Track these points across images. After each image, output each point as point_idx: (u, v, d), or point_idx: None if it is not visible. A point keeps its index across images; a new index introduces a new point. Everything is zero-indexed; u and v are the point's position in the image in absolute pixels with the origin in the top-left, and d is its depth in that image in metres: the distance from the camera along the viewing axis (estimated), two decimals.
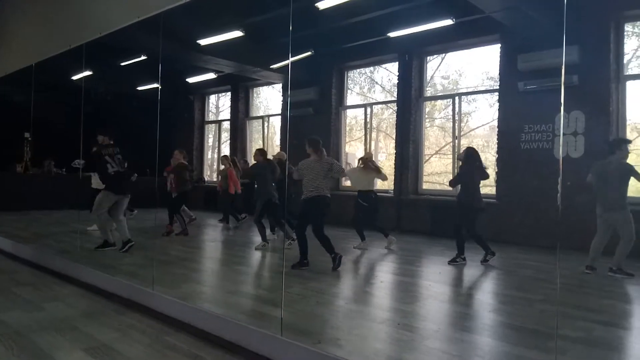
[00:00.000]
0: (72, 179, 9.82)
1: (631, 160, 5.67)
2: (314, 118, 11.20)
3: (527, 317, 4.05)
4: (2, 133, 8.32)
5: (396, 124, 10.25)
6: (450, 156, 9.77)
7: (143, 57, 10.12)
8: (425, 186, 10.18)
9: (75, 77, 8.06)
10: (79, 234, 7.48)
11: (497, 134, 8.73)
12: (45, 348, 3.14)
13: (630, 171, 5.43)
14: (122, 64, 10.96)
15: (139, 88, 12.36)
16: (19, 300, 4.25)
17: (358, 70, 11.71)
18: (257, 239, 7.02)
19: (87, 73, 6.39)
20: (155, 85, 9.51)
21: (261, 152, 7.29)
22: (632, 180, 5.44)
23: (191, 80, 13.05)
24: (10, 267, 5.70)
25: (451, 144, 9.78)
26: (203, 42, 9.41)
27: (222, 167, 9.53)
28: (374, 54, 10.52)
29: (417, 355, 3.15)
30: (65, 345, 3.21)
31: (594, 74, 7.49)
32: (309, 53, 10.10)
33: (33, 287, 4.74)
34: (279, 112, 12.88)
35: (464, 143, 9.86)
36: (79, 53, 5.54)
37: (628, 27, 7.77)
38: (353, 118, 11.87)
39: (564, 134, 7.70)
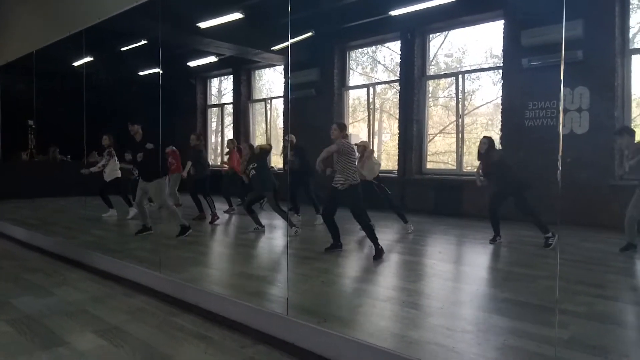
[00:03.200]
0: (77, 165, 9.86)
1: None
2: (317, 99, 11.16)
3: (530, 293, 4.09)
4: (6, 121, 8.34)
5: (399, 104, 10.20)
6: (454, 135, 9.74)
7: (143, 42, 10.07)
8: (429, 166, 10.18)
9: (76, 64, 8.04)
10: (86, 220, 7.57)
11: (501, 112, 8.68)
12: (57, 331, 3.22)
13: None
14: (123, 49, 10.92)
15: (140, 73, 12.32)
16: (29, 286, 4.33)
17: (360, 50, 11.60)
18: (276, 222, 7.05)
19: (88, 59, 6.40)
20: (156, 70, 9.48)
21: (250, 147, 7.36)
22: None
23: (192, 64, 12.99)
24: (20, 254, 5.79)
25: (455, 122, 9.74)
26: (203, 25, 9.34)
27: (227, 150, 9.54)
28: (375, 33, 10.41)
29: (422, 332, 3.20)
30: (77, 329, 3.28)
31: (599, 49, 7.39)
32: (309, 34, 10.00)
33: (43, 272, 4.83)
34: (282, 94, 12.84)
35: (468, 121, 9.83)
36: (79, 39, 5.53)
37: (633, 0, 7.64)
38: (356, 99, 11.81)
39: (568, 110, 7.64)
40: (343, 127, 5.63)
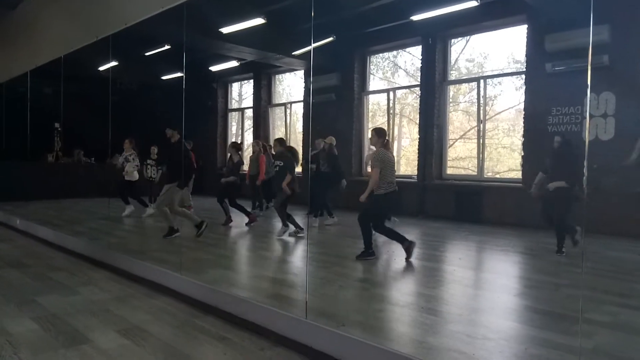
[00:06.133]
0: (101, 168, 10.11)
1: None
2: (337, 104, 11.18)
3: (553, 302, 4.02)
4: (33, 124, 8.58)
5: (420, 109, 10.15)
6: (475, 141, 9.64)
7: (167, 47, 10.25)
8: (449, 171, 10.09)
9: (102, 68, 8.22)
10: (109, 220, 7.71)
11: (524, 117, 8.56)
12: (81, 329, 3.28)
13: None
14: (147, 54, 11.12)
15: (164, 77, 12.53)
16: (55, 285, 4.43)
17: (381, 54, 11.59)
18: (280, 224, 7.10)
19: (114, 64, 6.54)
20: (179, 74, 9.65)
21: (280, 142, 7.32)
22: None
23: (214, 68, 13.15)
24: (45, 253, 5.93)
25: (476, 128, 9.64)
26: (225, 30, 9.46)
27: (252, 152, 9.55)
28: (396, 38, 10.39)
29: (441, 338, 3.17)
30: (100, 327, 3.34)
31: (625, 53, 7.25)
32: (330, 39, 10.04)
33: (68, 272, 4.93)
34: (301, 98, 12.89)
35: (489, 127, 9.72)
36: (106, 44, 5.66)
37: None
38: (376, 103, 11.80)
39: (593, 116, 7.50)
40: (383, 134, 5.54)
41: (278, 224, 7.25)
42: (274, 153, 7.37)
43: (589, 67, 2.63)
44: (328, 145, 7.70)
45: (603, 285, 4.44)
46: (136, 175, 8.79)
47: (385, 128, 11.08)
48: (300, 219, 7.11)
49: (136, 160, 8.70)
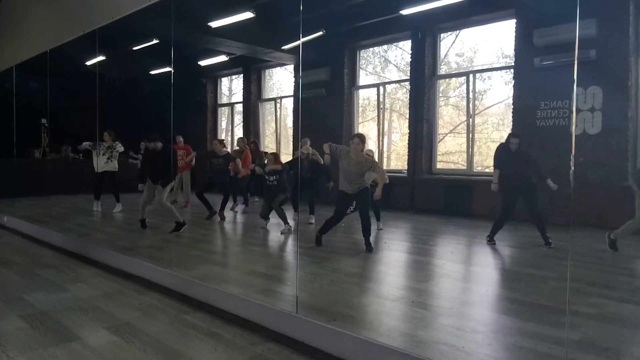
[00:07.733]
0: (89, 163, 10.01)
1: None
2: (327, 99, 11.16)
3: (540, 294, 4.06)
4: (19, 120, 8.47)
5: (409, 103, 10.17)
6: (465, 135, 9.68)
7: (155, 41, 10.16)
8: (439, 165, 10.14)
9: (88, 63, 8.13)
10: (98, 217, 7.65)
11: (513, 112, 8.61)
12: (70, 327, 3.26)
13: None
14: (135, 48, 11.01)
15: (152, 72, 12.42)
16: (43, 282, 4.39)
17: (371, 49, 11.58)
18: (273, 220, 7.11)
19: (101, 58, 6.47)
20: (167, 69, 9.58)
21: (275, 157, 7.37)
22: None
23: (203, 63, 13.04)
24: (33, 250, 5.87)
25: (465, 122, 9.69)
26: (214, 24, 9.38)
27: (236, 148, 9.55)
28: (386, 33, 10.39)
29: (431, 332, 3.20)
30: (89, 324, 3.32)
31: (612, 48, 7.31)
32: (320, 33, 10.01)
33: (56, 269, 4.89)
34: (292, 93, 12.86)
35: (479, 121, 9.78)
36: (92, 38, 5.59)
37: None
38: (366, 98, 11.80)
39: (581, 110, 7.57)
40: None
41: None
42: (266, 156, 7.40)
43: (576, 62, 2.66)
44: (305, 155, 7.66)
45: (589, 277, 4.50)
46: (115, 165, 8.61)
47: (376, 123, 11.12)
48: (289, 214, 7.11)
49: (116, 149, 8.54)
